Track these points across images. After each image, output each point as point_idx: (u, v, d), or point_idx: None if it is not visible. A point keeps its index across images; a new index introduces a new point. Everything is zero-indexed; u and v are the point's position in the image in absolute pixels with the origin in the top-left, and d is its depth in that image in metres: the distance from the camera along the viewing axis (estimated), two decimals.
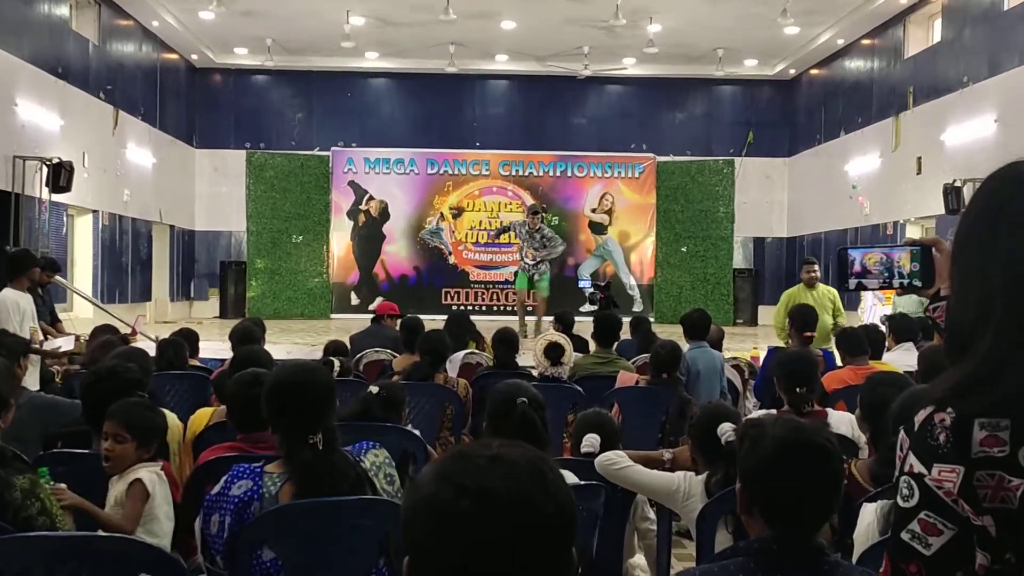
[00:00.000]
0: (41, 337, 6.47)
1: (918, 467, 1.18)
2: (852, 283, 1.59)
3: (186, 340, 5.95)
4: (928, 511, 1.17)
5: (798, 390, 3.89)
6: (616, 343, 6.44)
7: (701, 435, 3.26)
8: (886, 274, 1.55)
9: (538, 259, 13.00)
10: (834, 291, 8.14)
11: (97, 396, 3.36)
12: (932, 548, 1.16)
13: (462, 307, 17.40)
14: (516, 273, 13.67)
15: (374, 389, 3.97)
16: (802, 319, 6.34)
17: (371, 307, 13.44)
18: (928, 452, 1.18)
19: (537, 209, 13.57)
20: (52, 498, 2.78)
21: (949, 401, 1.19)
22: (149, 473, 3.08)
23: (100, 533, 2.81)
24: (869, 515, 2.51)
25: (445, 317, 7.91)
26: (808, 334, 6.23)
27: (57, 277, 8.82)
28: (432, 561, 1.06)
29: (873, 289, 1.60)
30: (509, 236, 14.07)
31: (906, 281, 1.54)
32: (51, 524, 2.69)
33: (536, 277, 13.00)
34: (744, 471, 1.88)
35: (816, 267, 8.34)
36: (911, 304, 8.63)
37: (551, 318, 9.44)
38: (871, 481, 2.92)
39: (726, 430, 3.12)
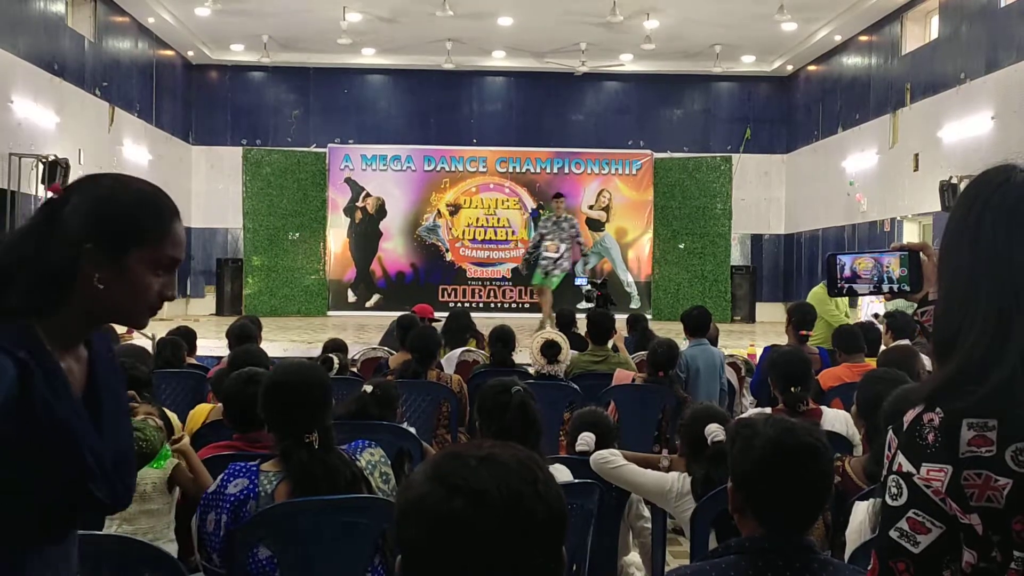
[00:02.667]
0: None
1: (907, 466, 1.20)
2: (844, 288, 1.60)
3: (184, 339, 5.95)
4: (916, 510, 1.18)
5: (792, 389, 3.90)
6: (611, 341, 6.45)
7: (689, 436, 3.28)
8: (876, 279, 1.56)
9: (562, 251, 12.29)
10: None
11: None
12: (920, 546, 1.18)
13: (460, 304, 17.39)
14: (530, 271, 12.88)
15: (368, 388, 3.98)
16: (800, 317, 6.35)
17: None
18: (917, 452, 1.19)
19: (560, 193, 13.14)
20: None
21: (938, 401, 1.20)
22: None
23: (98, 532, 2.81)
24: (861, 513, 2.52)
25: (446, 314, 7.87)
26: (804, 332, 6.24)
27: None
28: (424, 561, 1.07)
29: (863, 295, 1.61)
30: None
31: (896, 286, 1.55)
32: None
33: (557, 272, 12.39)
34: (736, 471, 1.89)
35: None
36: (900, 306, 8.63)
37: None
38: (865, 479, 2.92)
39: (713, 431, 3.14)
